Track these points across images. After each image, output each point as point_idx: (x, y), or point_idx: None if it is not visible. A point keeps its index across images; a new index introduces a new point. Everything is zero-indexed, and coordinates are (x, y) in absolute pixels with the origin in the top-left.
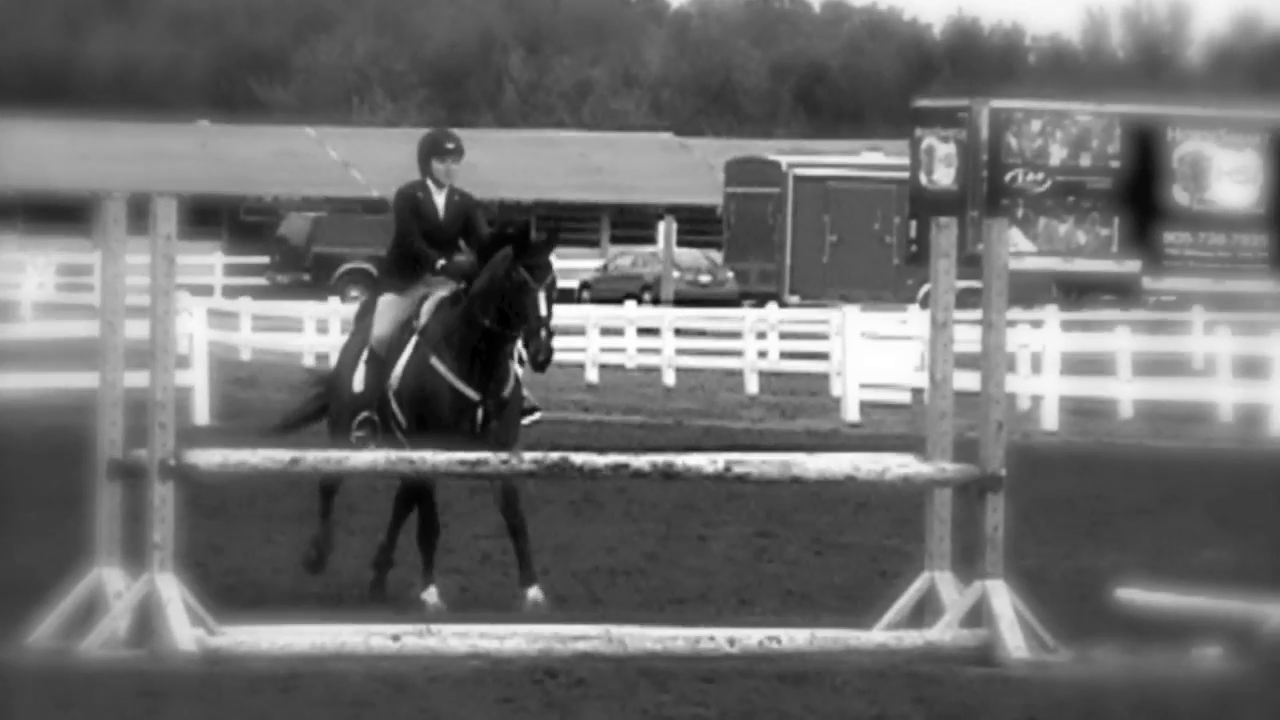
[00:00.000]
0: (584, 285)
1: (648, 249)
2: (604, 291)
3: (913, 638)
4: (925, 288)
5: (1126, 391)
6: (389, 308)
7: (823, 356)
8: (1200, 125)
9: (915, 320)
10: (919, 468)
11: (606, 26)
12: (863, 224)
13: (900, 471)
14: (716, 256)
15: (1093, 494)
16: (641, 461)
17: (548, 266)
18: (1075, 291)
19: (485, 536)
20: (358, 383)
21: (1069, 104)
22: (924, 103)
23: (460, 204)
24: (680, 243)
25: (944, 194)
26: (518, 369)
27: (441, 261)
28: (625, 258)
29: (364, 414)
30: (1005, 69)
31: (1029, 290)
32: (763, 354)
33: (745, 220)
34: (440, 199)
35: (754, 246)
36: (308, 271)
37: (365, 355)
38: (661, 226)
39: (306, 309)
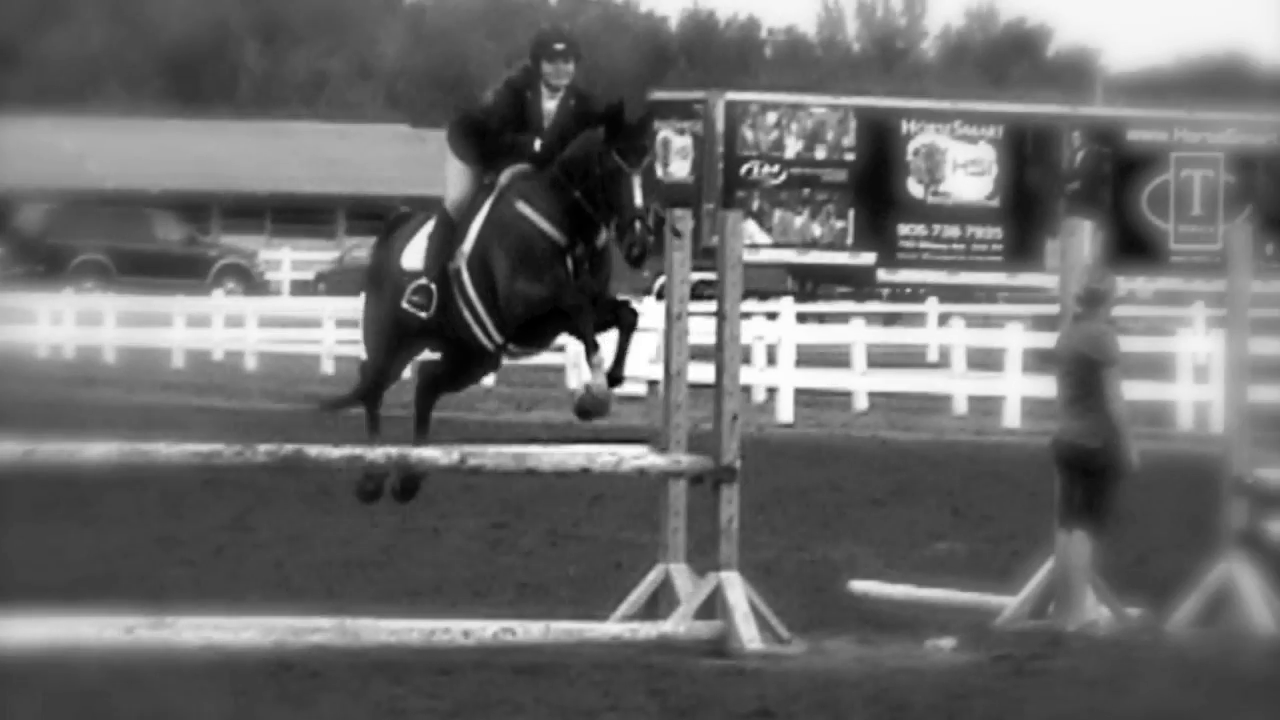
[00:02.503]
0: (320, 277)
1: None
2: (340, 284)
3: (647, 629)
4: (660, 280)
5: (861, 383)
6: (460, 174)
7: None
8: (935, 118)
9: (650, 312)
10: (654, 460)
11: (342, 18)
12: None
13: (635, 463)
14: None
15: (827, 485)
16: (376, 454)
17: (643, 150)
18: (810, 283)
19: (220, 529)
20: (412, 258)
21: (804, 97)
22: (660, 95)
23: (577, 111)
24: None
25: (679, 186)
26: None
27: (539, 142)
28: (362, 250)
29: (420, 281)
30: (741, 62)
31: (764, 282)
32: None
33: None
34: (551, 104)
35: None
36: (42, 263)
37: (428, 229)
38: None
39: (41, 301)
